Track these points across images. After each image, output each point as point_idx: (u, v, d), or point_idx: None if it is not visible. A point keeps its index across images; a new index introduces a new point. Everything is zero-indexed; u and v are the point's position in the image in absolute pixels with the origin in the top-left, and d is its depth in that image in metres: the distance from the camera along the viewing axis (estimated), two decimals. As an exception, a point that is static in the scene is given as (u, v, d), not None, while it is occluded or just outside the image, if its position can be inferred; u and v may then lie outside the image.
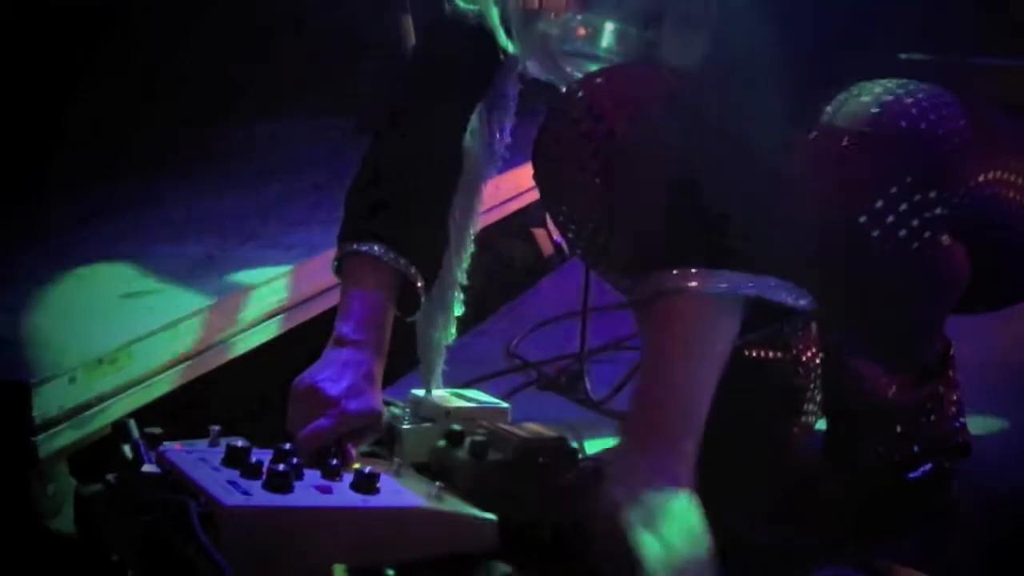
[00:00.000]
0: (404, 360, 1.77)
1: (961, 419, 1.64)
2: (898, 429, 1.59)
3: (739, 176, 1.35)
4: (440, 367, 1.72)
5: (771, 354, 1.77)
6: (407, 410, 1.67)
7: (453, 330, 1.72)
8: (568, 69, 1.64)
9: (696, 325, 1.33)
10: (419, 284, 1.59)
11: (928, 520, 1.58)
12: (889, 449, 1.59)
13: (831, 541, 1.52)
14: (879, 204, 1.42)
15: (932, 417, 1.60)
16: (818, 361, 1.75)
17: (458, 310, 1.72)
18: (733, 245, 1.32)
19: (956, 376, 1.64)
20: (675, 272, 1.32)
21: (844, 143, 1.43)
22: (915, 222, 1.43)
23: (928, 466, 1.59)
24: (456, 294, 1.71)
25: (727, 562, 1.41)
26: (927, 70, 1.50)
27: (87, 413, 1.60)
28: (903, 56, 1.53)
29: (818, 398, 1.77)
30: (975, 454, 1.64)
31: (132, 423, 1.50)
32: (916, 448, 1.59)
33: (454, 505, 1.44)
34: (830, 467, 1.63)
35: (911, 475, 1.59)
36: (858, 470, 1.59)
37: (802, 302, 1.34)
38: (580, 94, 1.56)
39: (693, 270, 1.31)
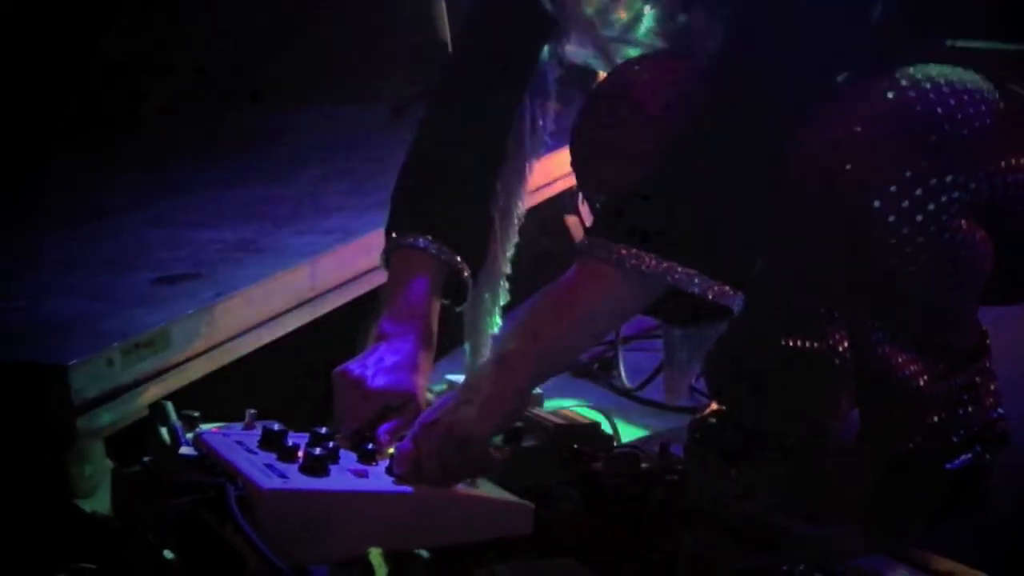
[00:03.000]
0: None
1: (999, 408, 1.63)
2: (935, 419, 1.58)
3: (733, 172, 1.39)
4: (487, 356, 1.72)
5: (806, 343, 1.76)
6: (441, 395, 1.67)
7: (499, 318, 1.73)
8: (608, 53, 1.63)
9: (599, 297, 1.40)
10: (466, 274, 1.61)
11: (966, 510, 1.58)
12: (926, 439, 1.58)
13: (868, 530, 1.51)
14: (893, 189, 1.42)
15: (969, 407, 1.59)
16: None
17: (504, 298, 1.72)
18: (671, 231, 1.38)
19: (992, 365, 1.63)
20: (603, 244, 1.38)
21: (858, 128, 1.43)
22: (931, 206, 1.43)
23: (966, 456, 1.58)
24: (503, 283, 1.71)
25: (764, 551, 1.42)
26: (974, 57, 1.49)
27: (125, 395, 1.61)
28: (949, 43, 1.52)
29: (854, 387, 1.76)
30: (1014, 443, 1.63)
31: (170, 405, 1.51)
32: (954, 438, 1.58)
33: (489, 490, 1.44)
34: (867, 456, 1.62)
35: (949, 465, 1.58)
36: (895, 460, 1.58)
37: (724, 302, 1.39)
38: (618, 81, 1.56)
39: (618, 247, 1.37)
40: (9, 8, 2.69)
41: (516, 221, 1.73)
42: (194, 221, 2.19)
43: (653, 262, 1.37)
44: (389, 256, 1.63)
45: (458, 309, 1.67)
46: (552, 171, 2.34)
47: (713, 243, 1.39)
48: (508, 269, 1.73)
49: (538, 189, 2.40)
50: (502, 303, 1.73)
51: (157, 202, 2.32)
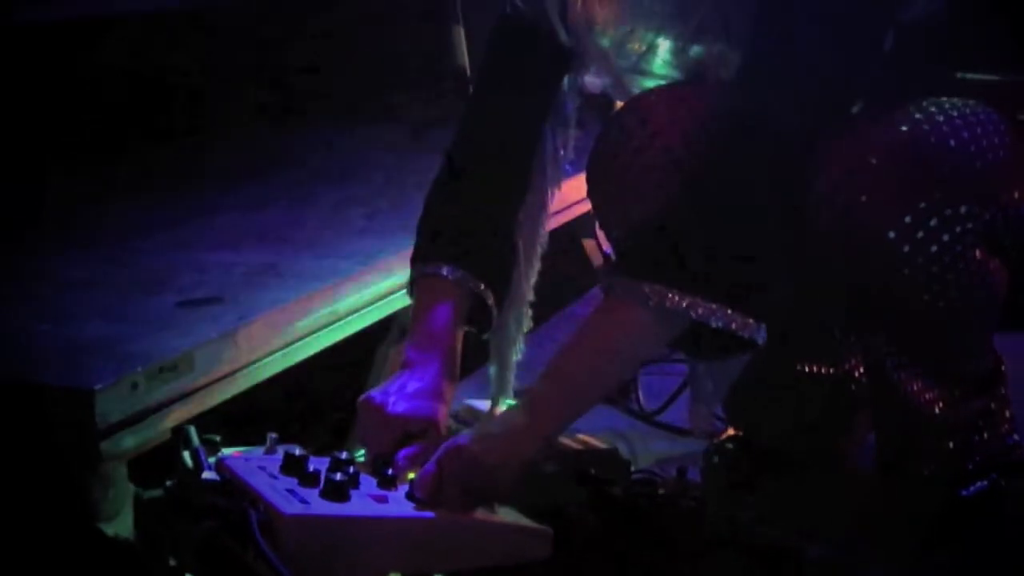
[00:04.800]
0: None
1: (1015, 435, 1.64)
2: (950, 445, 1.58)
3: (751, 203, 1.41)
4: (512, 382, 1.74)
5: (822, 369, 1.77)
6: (462, 420, 1.68)
7: (523, 345, 1.74)
8: (624, 84, 1.65)
9: (623, 335, 1.44)
10: (491, 301, 1.63)
11: (981, 537, 1.58)
12: (941, 465, 1.59)
13: (883, 557, 1.52)
14: (908, 219, 1.44)
15: (985, 434, 1.60)
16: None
17: (527, 325, 1.74)
18: (692, 266, 1.40)
19: (1008, 393, 1.64)
20: (626, 282, 1.41)
21: (873, 161, 1.44)
22: (946, 237, 1.45)
23: (982, 483, 1.59)
24: (526, 309, 1.73)
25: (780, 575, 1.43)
26: (984, 88, 1.51)
27: (148, 419, 1.62)
28: (959, 75, 1.53)
29: (869, 412, 1.77)
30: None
31: (192, 429, 1.52)
32: (969, 465, 1.59)
33: (508, 515, 1.45)
34: (882, 483, 1.63)
35: (964, 492, 1.59)
36: (910, 486, 1.59)
37: (748, 334, 1.41)
38: (634, 110, 1.58)
39: (640, 284, 1.40)
40: (29, 25, 2.72)
41: (539, 248, 1.75)
42: (216, 244, 2.20)
43: (676, 298, 1.39)
44: (414, 284, 1.65)
45: (484, 337, 1.69)
46: (570, 196, 2.35)
47: (734, 276, 1.40)
48: (531, 296, 1.74)
49: (556, 213, 2.42)
50: (525, 329, 1.75)
51: (178, 224, 2.34)
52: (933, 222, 1.44)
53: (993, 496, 1.59)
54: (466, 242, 1.63)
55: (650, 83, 1.63)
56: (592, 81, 1.69)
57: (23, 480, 1.58)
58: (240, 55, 3.20)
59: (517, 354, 1.74)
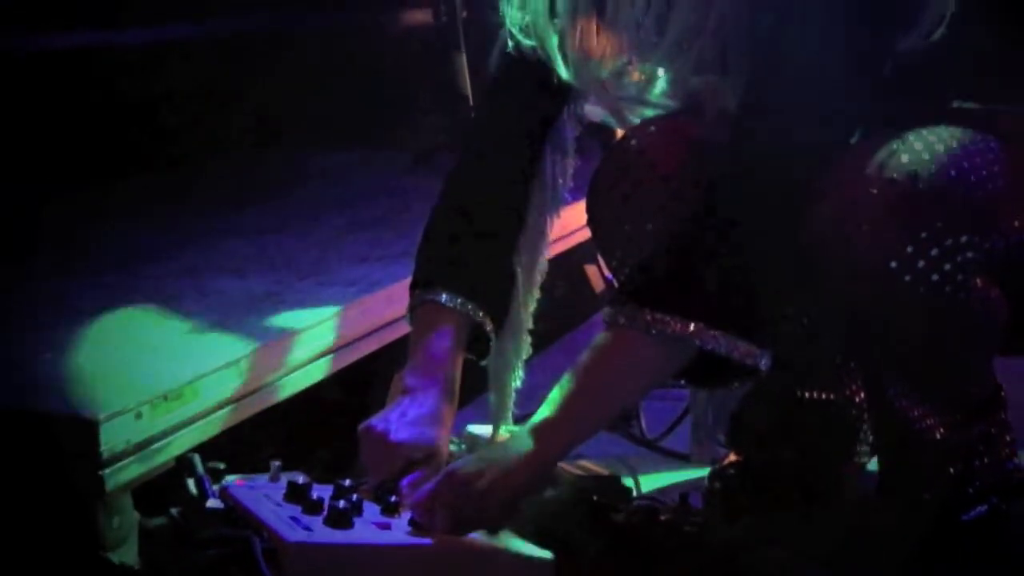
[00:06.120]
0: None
1: (1015, 460, 1.64)
2: (951, 470, 1.59)
3: (747, 231, 1.42)
4: (511, 409, 1.75)
5: (823, 394, 1.78)
6: (463, 446, 1.69)
7: (522, 372, 1.75)
8: (623, 113, 1.67)
9: (627, 364, 1.44)
10: (489, 328, 1.64)
11: (983, 562, 1.59)
12: (942, 490, 1.59)
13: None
14: (909, 249, 1.44)
15: (985, 458, 1.61)
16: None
17: (526, 352, 1.75)
18: (695, 294, 1.41)
19: (1008, 417, 1.65)
20: (629, 311, 1.42)
21: (874, 191, 1.45)
22: (947, 266, 1.45)
23: (982, 507, 1.59)
24: (525, 336, 1.74)
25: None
26: (980, 119, 1.52)
27: (152, 447, 1.63)
28: (959, 104, 1.54)
29: (870, 437, 1.78)
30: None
31: (197, 458, 1.53)
32: (970, 489, 1.59)
33: (510, 542, 1.46)
34: (883, 507, 1.64)
35: (965, 516, 1.59)
36: (911, 510, 1.60)
37: (751, 361, 1.42)
38: (633, 142, 1.60)
39: (643, 312, 1.41)
40: (33, 53, 2.74)
41: (538, 276, 1.76)
42: (220, 271, 2.22)
43: (679, 326, 1.40)
44: (413, 311, 1.66)
45: (482, 363, 1.70)
46: (572, 222, 2.37)
47: (736, 303, 1.41)
48: (531, 324, 1.75)
49: (559, 239, 2.43)
50: (524, 356, 1.75)
51: (182, 251, 2.35)
52: (934, 252, 1.44)
53: (993, 520, 1.60)
54: (465, 269, 1.64)
55: (649, 112, 1.65)
56: (591, 110, 1.71)
57: (28, 508, 1.58)
58: (245, 82, 3.22)
59: (516, 381, 1.75)
